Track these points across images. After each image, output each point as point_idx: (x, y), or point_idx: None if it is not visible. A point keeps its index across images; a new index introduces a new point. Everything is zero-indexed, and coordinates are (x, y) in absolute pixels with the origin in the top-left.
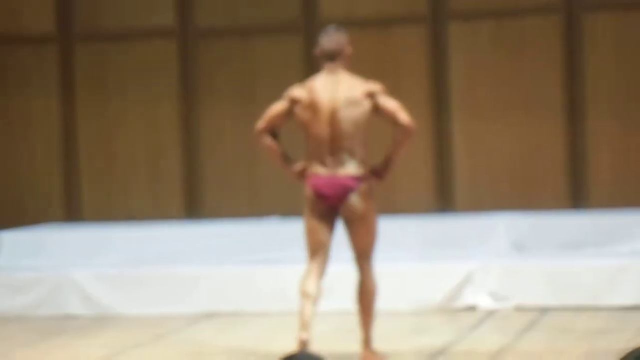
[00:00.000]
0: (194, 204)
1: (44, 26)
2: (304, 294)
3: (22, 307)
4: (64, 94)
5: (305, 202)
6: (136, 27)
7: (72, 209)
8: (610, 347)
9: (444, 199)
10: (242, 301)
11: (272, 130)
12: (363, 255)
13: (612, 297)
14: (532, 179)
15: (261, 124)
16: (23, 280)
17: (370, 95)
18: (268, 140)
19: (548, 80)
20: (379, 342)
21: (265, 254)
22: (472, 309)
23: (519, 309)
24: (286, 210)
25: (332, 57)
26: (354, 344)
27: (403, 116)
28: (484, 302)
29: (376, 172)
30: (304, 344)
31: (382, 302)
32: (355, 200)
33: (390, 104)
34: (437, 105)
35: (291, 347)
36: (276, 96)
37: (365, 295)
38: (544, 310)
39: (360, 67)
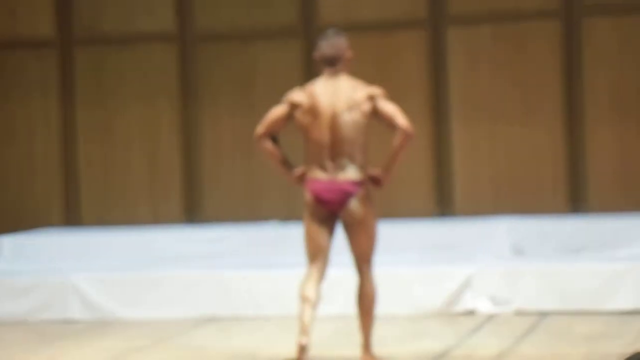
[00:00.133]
0: (193, 208)
1: (43, 30)
2: (304, 299)
3: (21, 311)
4: (64, 98)
5: (305, 207)
6: (136, 30)
7: (71, 213)
8: (610, 351)
9: (443, 203)
10: (242, 305)
11: (272, 135)
12: (363, 259)
13: (612, 301)
14: (531, 183)
15: (261, 128)
16: (23, 284)
17: (371, 98)
18: (268, 145)
19: (547, 85)
20: (379, 347)
21: (265, 258)
22: (471, 313)
23: (519, 313)
24: (285, 214)
25: (332, 62)
26: (354, 349)
27: (402, 120)
28: (484, 306)
29: (376, 178)
30: (303, 348)
31: (382, 307)
32: (354, 205)
33: (389, 107)
34: (437, 110)
35: (291, 351)
36: (275, 100)
37: (365, 300)
38: (543, 314)
39: (359, 71)
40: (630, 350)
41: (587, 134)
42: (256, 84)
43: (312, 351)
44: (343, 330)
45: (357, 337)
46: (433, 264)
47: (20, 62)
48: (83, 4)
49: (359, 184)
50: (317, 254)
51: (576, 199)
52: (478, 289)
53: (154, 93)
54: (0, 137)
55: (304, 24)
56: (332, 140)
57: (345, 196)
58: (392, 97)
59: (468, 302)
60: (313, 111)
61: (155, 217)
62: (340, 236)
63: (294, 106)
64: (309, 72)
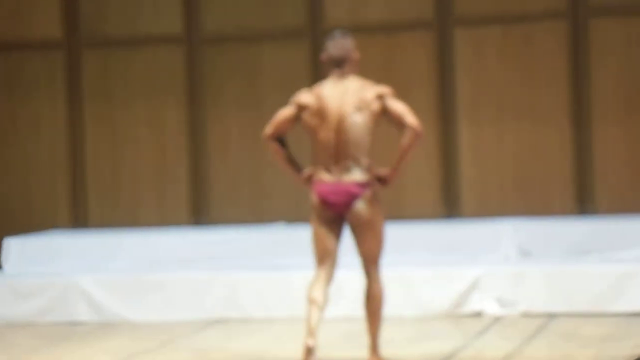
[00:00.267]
0: (200, 210)
1: (51, 32)
2: (311, 301)
3: (29, 313)
4: (71, 100)
5: (312, 209)
6: (143, 33)
7: (78, 216)
8: (617, 353)
9: (450, 204)
10: (249, 307)
11: (280, 136)
12: (370, 261)
13: (619, 303)
14: (538, 184)
15: (269, 129)
16: (30, 286)
17: (380, 97)
18: (275, 146)
19: (554, 86)
20: (386, 348)
21: (272, 260)
22: (479, 314)
23: (526, 314)
24: (292, 216)
25: (339, 63)
26: (361, 350)
27: (411, 119)
28: (491, 308)
29: (382, 177)
30: (310, 350)
31: (389, 308)
32: (360, 206)
33: (398, 106)
34: (444, 111)
35: (298, 353)
36: (282, 102)
37: (373, 301)
38: (550, 316)
39: (366, 73)
40: (638, 352)
41: (595, 134)
42: (263, 86)
43: (319, 353)
44: (350, 332)
45: (364, 339)
46: (440, 266)
47: (28, 64)
48: (90, 6)
49: (364, 185)
50: (325, 256)
51: (584, 200)
52: (485, 291)
53: (161, 95)
54: (7, 139)
55: (310, 25)
56: (338, 142)
57: (350, 198)
58: (399, 98)
59: (475, 303)
60: (320, 113)
61: (161, 219)
62: (347, 237)
63: (301, 108)
64: (316, 74)
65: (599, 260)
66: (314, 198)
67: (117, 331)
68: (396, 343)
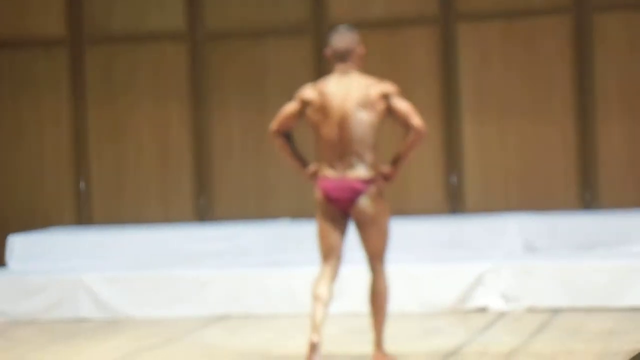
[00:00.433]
0: (204, 207)
1: (54, 29)
2: (316, 297)
3: (33, 310)
4: (74, 97)
5: (316, 205)
6: (146, 29)
7: (83, 213)
8: (622, 348)
9: (454, 200)
10: (253, 303)
11: (285, 131)
12: (375, 257)
13: (624, 298)
14: (542, 179)
15: (274, 125)
16: (34, 283)
17: (385, 97)
18: (280, 141)
19: (558, 81)
20: (391, 344)
21: (276, 256)
22: (483, 310)
23: (531, 310)
24: (296, 212)
25: (343, 57)
26: (366, 346)
27: (416, 120)
28: (496, 303)
29: (384, 173)
30: (314, 346)
31: (394, 304)
32: (364, 202)
33: (403, 106)
34: (448, 106)
35: (302, 349)
36: (286, 98)
37: (378, 297)
38: (555, 311)
39: (370, 69)
40: None
41: (598, 129)
42: (266, 82)
43: (324, 349)
44: (355, 328)
45: (369, 335)
46: (445, 261)
47: (31, 61)
48: (93, 3)
49: (368, 181)
50: (330, 253)
51: (588, 195)
52: (490, 286)
53: (165, 92)
54: (11, 137)
55: (314, 21)
56: (341, 138)
57: (354, 194)
58: (403, 94)
59: (480, 299)
60: (323, 109)
61: (166, 215)
62: (352, 233)
63: (305, 103)
64: (320, 70)
65: (603, 255)
66: (318, 194)
67: (122, 328)
68: (401, 339)
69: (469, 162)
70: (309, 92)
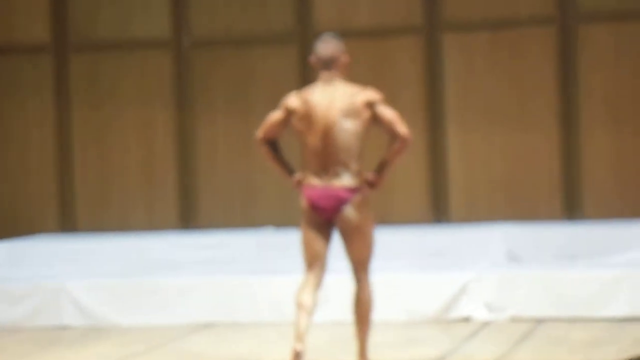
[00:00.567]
0: (188, 214)
1: (38, 36)
2: (299, 306)
3: (16, 317)
4: (59, 104)
5: (301, 213)
6: (131, 37)
7: (66, 219)
8: (605, 358)
9: (439, 209)
10: (237, 311)
11: (271, 139)
12: (359, 266)
13: (608, 308)
14: (526, 189)
15: (259, 133)
16: (17, 290)
17: (370, 105)
18: (266, 149)
19: (543, 91)
20: (374, 353)
21: (260, 264)
22: (467, 319)
23: (514, 319)
24: (281, 220)
25: (328, 64)
26: (350, 355)
27: (402, 127)
28: (479, 313)
29: (369, 181)
30: (298, 355)
31: (377, 313)
32: (349, 211)
33: (388, 113)
34: (432, 116)
35: (286, 357)
36: (272, 105)
37: (362, 306)
38: (539, 321)
39: (355, 78)
40: (626, 356)
41: (583, 140)
42: (252, 90)
43: (308, 357)
44: (339, 337)
45: (353, 344)
46: (428, 271)
47: (16, 68)
48: (78, 10)
49: (353, 190)
50: (314, 261)
51: (572, 205)
52: (473, 296)
53: (150, 98)
54: None
55: (300, 29)
56: (326, 147)
57: (339, 203)
58: (388, 102)
59: (464, 308)
60: (308, 118)
61: (150, 223)
62: (336, 242)
63: (289, 111)
64: (305, 77)
65: (587, 265)
66: (303, 202)
67: (106, 335)
68: (384, 348)
69: (453, 171)
70: (293, 100)
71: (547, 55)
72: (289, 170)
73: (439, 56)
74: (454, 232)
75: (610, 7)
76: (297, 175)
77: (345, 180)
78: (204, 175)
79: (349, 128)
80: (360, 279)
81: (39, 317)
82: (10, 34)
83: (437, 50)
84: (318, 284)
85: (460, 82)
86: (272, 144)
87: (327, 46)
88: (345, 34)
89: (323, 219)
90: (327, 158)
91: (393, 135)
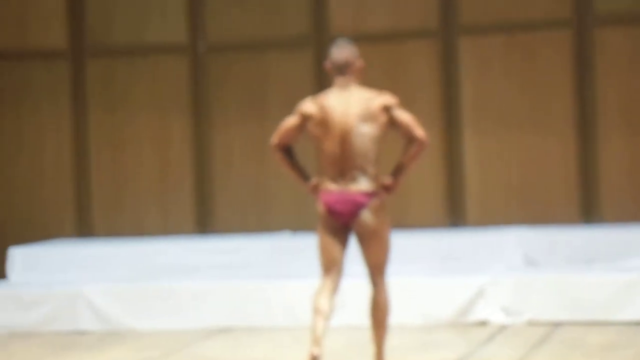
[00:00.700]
0: (204, 219)
1: (55, 41)
2: (316, 310)
3: (33, 322)
4: (75, 109)
5: (318, 218)
6: (147, 42)
7: (83, 225)
8: None
9: (455, 213)
10: (254, 316)
11: (286, 145)
12: (376, 270)
13: (624, 312)
14: (543, 193)
15: (274, 139)
16: (34, 295)
17: (386, 109)
18: (281, 155)
19: (559, 94)
20: (391, 357)
21: (276, 268)
22: (484, 323)
23: (531, 323)
24: (296, 225)
25: (342, 69)
26: (366, 359)
27: (419, 131)
28: (496, 316)
29: (385, 185)
30: (315, 359)
31: (394, 317)
32: (367, 216)
33: (405, 117)
34: (448, 120)
35: None
36: (287, 110)
37: (379, 310)
38: (556, 325)
39: (370, 82)
40: None
41: (599, 143)
42: (267, 95)
43: None
44: (355, 341)
45: (369, 348)
46: (445, 275)
47: (32, 73)
48: (95, 15)
49: (371, 195)
50: (331, 266)
51: (588, 208)
52: (490, 300)
53: (165, 104)
54: (11, 148)
55: (315, 34)
56: (343, 152)
57: (356, 207)
58: (404, 107)
59: (480, 312)
60: (324, 124)
61: (166, 228)
62: (353, 246)
63: (305, 117)
64: (321, 82)
65: (603, 269)
66: (320, 207)
67: (122, 340)
68: (401, 352)
69: (470, 174)
70: (309, 105)
71: (563, 58)
72: (304, 176)
73: (454, 60)
74: (470, 236)
75: (627, 11)
76: (313, 181)
77: (363, 185)
78: (219, 179)
79: (366, 132)
80: (377, 283)
81: (55, 322)
82: (26, 40)
83: (452, 54)
84: (335, 288)
85: (475, 85)
86: (287, 150)
87: (341, 51)
88: (360, 38)
89: (340, 224)
90: (344, 163)
91: (410, 139)
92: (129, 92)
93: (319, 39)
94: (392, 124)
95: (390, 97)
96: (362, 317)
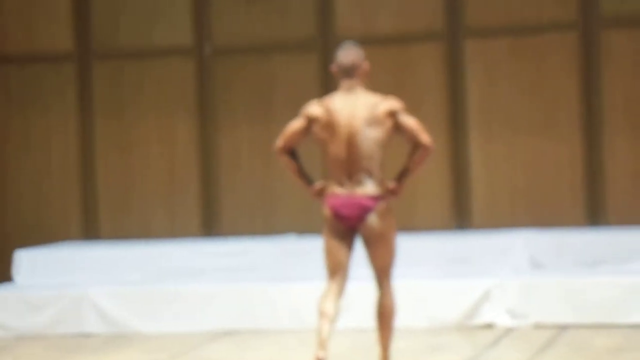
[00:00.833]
0: (211, 222)
1: (61, 44)
2: (322, 313)
3: (39, 325)
4: (82, 111)
5: (324, 222)
6: (153, 45)
7: (90, 228)
8: None
9: (461, 216)
10: (260, 319)
11: (291, 148)
12: (382, 273)
13: (631, 315)
14: (549, 196)
15: (279, 142)
16: (40, 298)
17: (392, 114)
18: (286, 159)
19: (565, 97)
20: None
21: (282, 271)
22: (490, 326)
23: (538, 326)
24: (302, 227)
25: (349, 72)
26: None
27: (424, 136)
28: (502, 319)
29: (390, 189)
30: None
31: (400, 320)
32: (373, 219)
33: (411, 122)
34: (454, 122)
35: None
36: (293, 113)
37: (384, 313)
38: (562, 328)
39: (377, 84)
40: None
41: (606, 146)
42: (274, 97)
43: None
44: (361, 344)
45: (375, 351)
46: (451, 277)
47: (39, 76)
48: (101, 18)
49: (376, 198)
50: (337, 269)
51: (594, 211)
52: (496, 302)
53: (172, 106)
54: (18, 151)
55: (321, 36)
56: (349, 156)
57: (363, 211)
58: (410, 109)
59: (486, 315)
60: (330, 127)
61: (172, 230)
62: (359, 249)
63: (310, 120)
64: (327, 85)
65: (610, 272)
66: (326, 211)
67: (128, 343)
68: (407, 355)
69: (476, 178)
70: (315, 108)
71: (569, 60)
72: (308, 180)
73: (461, 63)
74: (476, 239)
75: (633, 13)
76: (317, 185)
77: (369, 189)
78: (225, 182)
79: (372, 136)
80: (382, 285)
81: (61, 324)
82: (33, 43)
83: (458, 57)
84: (340, 292)
85: (482, 88)
86: (291, 153)
87: (347, 54)
88: (366, 41)
89: (346, 227)
90: (350, 166)
91: (416, 143)
92: (136, 94)
93: (325, 42)
94: (398, 129)
95: (396, 102)
96: (368, 319)
